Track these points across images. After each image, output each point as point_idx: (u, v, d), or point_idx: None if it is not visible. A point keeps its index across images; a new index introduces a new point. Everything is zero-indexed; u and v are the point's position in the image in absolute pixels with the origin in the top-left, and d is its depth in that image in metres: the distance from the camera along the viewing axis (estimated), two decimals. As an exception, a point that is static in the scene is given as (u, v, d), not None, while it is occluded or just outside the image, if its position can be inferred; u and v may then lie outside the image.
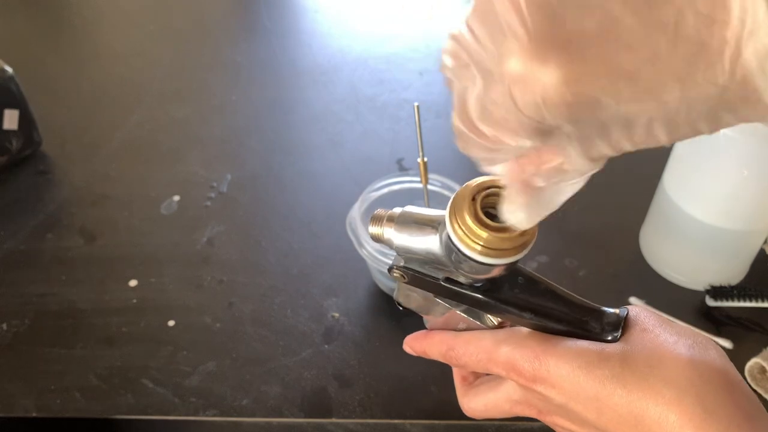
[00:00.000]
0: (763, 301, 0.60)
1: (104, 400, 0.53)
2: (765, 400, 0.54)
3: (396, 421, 0.53)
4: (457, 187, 0.61)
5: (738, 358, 0.56)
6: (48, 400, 0.53)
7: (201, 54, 0.97)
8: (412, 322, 0.60)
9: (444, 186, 0.61)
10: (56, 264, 0.64)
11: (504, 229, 0.29)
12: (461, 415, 0.52)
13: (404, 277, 0.36)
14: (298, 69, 0.94)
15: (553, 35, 0.18)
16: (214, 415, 0.52)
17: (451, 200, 0.30)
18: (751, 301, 0.60)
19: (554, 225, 0.69)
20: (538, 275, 0.34)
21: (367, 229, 0.57)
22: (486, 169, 0.27)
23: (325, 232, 0.68)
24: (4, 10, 1.06)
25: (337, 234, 0.67)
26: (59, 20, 1.05)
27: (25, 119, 0.73)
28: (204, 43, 1.00)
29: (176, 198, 0.72)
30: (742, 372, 0.55)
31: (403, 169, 0.76)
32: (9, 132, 0.72)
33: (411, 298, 0.38)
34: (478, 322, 0.36)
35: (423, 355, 0.39)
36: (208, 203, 0.71)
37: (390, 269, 0.36)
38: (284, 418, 0.52)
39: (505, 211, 0.28)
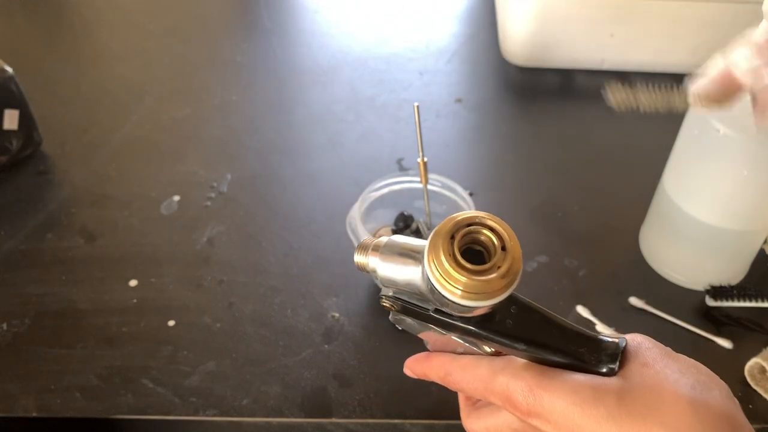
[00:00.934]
0: (763, 301, 0.60)
1: (104, 400, 0.53)
2: (765, 399, 0.54)
3: (396, 421, 0.53)
4: (458, 188, 0.61)
5: (738, 358, 0.56)
6: (48, 399, 0.53)
7: (201, 54, 0.97)
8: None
9: (444, 186, 0.61)
10: (56, 264, 0.64)
11: (484, 272, 0.28)
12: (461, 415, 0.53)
13: (394, 307, 0.35)
14: (298, 69, 0.94)
15: None
16: (215, 415, 0.52)
17: (429, 237, 0.29)
18: (751, 301, 0.60)
19: (554, 225, 0.69)
20: (532, 303, 0.33)
21: (367, 229, 0.57)
22: None
23: (325, 232, 0.68)
24: (4, 10, 1.06)
25: (337, 234, 0.67)
26: (59, 20, 1.05)
27: (26, 119, 0.73)
28: (204, 43, 1.00)
29: (176, 198, 0.72)
30: (741, 372, 0.55)
31: (403, 169, 0.77)
32: (9, 132, 0.72)
33: (406, 322, 0.37)
34: (475, 348, 0.35)
35: (423, 378, 0.39)
36: (208, 203, 0.71)
37: (380, 298, 0.35)
38: (284, 418, 0.52)
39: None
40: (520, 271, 0.28)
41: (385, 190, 0.62)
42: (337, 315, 0.60)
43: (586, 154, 0.79)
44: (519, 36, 0.88)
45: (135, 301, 0.61)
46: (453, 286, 0.28)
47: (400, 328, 0.39)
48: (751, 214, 0.56)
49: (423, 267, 0.30)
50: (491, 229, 0.29)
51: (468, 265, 0.28)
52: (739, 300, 0.60)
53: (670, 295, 0.62)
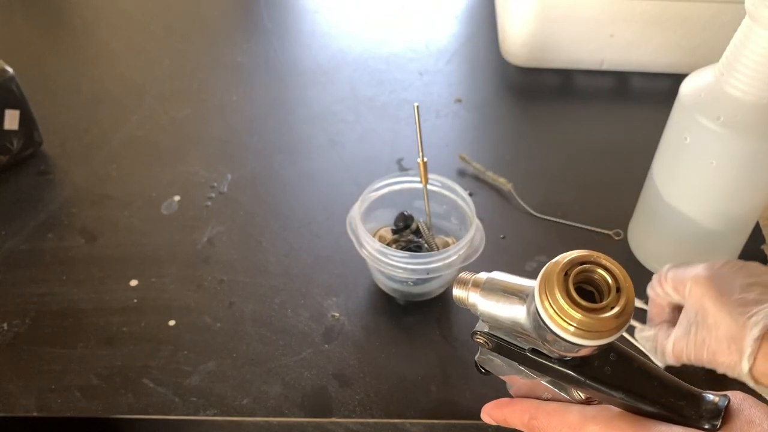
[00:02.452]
0: (762, 300, 0.60)
1: (105, 399, 0.53)
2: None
3: (396, 420, 0.53)
4: (457, 188, 0.61)
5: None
6: (48, 399, 0.53)
7: (201, 54, 0.97)
8: (413, 321, 0.61)
9: (444, 186, 0.61)
10: (57, 264, 0.64)
11: (599, 310, 0.28)
12: (461, 415, 0.53)
13: (488, 344, 0.35)
14: (299, 69, 0.94)
15: None
16: (215, 415, 0.52)
17: (540, 274, 0.29)
18: (750, 300, 0.60)
19: (554, 225, 0.69)
20: (632, 352, 0.32)
21: (367, 229, 0.57)
22: None
23: (325, 232, 0.68)
24: (4, 10, 1.06)
25: (337, 234, 0.67)
26: (59, 20, 1.05)
27: (26, 119, 0.73)
28: (204, 43, 1.00)
29: (177, 198, 0.72)
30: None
31: (403, 169, 0.77)
32: (10, 132, 0.72)
33: (493, 363, 0.37)
34: (564, 394, 0.34)
35: (503, 424, 0.38)
36: (209, 203, 0.71)
37: (473, 334, 0.35)
38: (284, 418, 0.52)
39: None
40: (632, 313, 0.28)
41: (385, 190, 0.62)
42: (337, 315, 0.60)
43: (586, 154, 0.79)
44: (519, 36, 0.88)
45: (135, 300, 0.61)
46: (566, 322, 0.28)
47: (483, 371, 0.38)
48: (734, 208, 0.57)
49: (532, 304, 0.30)
50: (605, 269, 0.29)
51: (583, 303, 0.28)
52: (738, 300, 0.60)
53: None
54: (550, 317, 0.28)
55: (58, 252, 0.65)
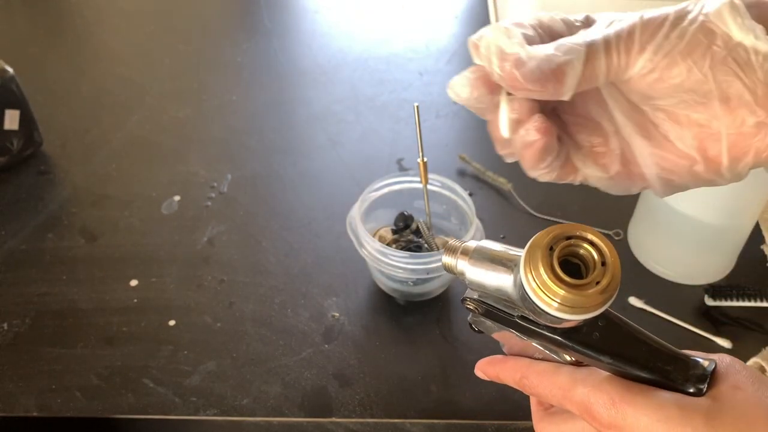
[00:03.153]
0: (762, 300, 0.60)
1: (105, 399, 0.53)
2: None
3: (396, 420, 0.53)
4: (457, 188, 0.61)
5: (737, 357, 0.56)
6: (49, 399, 0.53)
7: (201, 54, 0.97)
8: (413, 321, 0.61)
9: (444, 186, 0.61)
10: (57, 264, 0.64)
11: (583, 286, 0.27)
12: (461, 415, 0.53)
13: (478, 310, 0.35)
14: (299, 69, 0.94)
15: None
16: (215, 415, 0.52)
17: (526, 247, 0.29)
18: (750, 300, 0.60)
19: (553, 225, 0.69)
20: (620, 317, 0.32)
21: (367, 229, 0.57)
22: None
23: (325, 232, 0.68)
24: (4, 10, 1.06)
25: (337, 234, 0.67)
26: (59, 20, 1.05)
27: (26, 119, 0.73)
28: (204, 43, 1.00)
29: (177, 198, 0.72)
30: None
31: (403, 169, 0.77)
32: (10, 132, 0.72)
33: (485, 324, 0.37)
34: (555, 356, 0.34)
35: (495, 380, 0.38)
36: (209, 203, 0.71)
37: (463, 300, 0.36)
38: (284, 418, 0.53)
39: None
40: (617, 287, 0.28)
41: (385, 190, 0.62)
42: (337, 315, 0.60)
43: (586, 154, 0.79)
44: (519, 36, 0.88)
45: (135, 300, 0.61)
46: (550, 298, 0.28)
47: (476, 330, 0.38)
48: (731, 207, 0.57)
49: (518, 276, 0.30)
50: (591, 243, 0.29)
51: (567, 279, 0.28)
52: (738, 300, 0.60)
53: (668, 294, 0.62)
54: (534, 292, 0.28)
55: (58, 252, 0.65)
